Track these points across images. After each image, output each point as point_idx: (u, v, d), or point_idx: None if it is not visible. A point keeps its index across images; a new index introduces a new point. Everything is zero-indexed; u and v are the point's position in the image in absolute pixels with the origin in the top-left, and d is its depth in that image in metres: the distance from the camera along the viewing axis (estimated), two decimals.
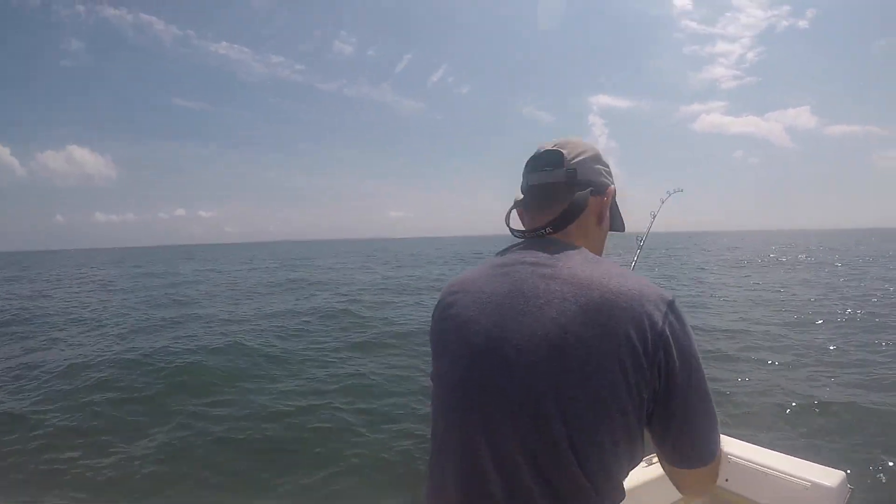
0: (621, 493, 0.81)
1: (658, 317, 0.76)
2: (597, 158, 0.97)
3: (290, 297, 15.65)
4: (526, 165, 1.00)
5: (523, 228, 1.00)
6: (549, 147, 0.97)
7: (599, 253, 0.99)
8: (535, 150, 1.00)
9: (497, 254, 0.96)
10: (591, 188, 0.94)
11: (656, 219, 2.25)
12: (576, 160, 0.94)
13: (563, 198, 0.93)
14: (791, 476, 1.75)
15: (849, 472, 1.76)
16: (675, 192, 2.39)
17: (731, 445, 1.97)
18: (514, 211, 1.03)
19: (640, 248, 2.11)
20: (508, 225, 1.02)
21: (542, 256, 0.87)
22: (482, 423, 0.80)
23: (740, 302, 12.37)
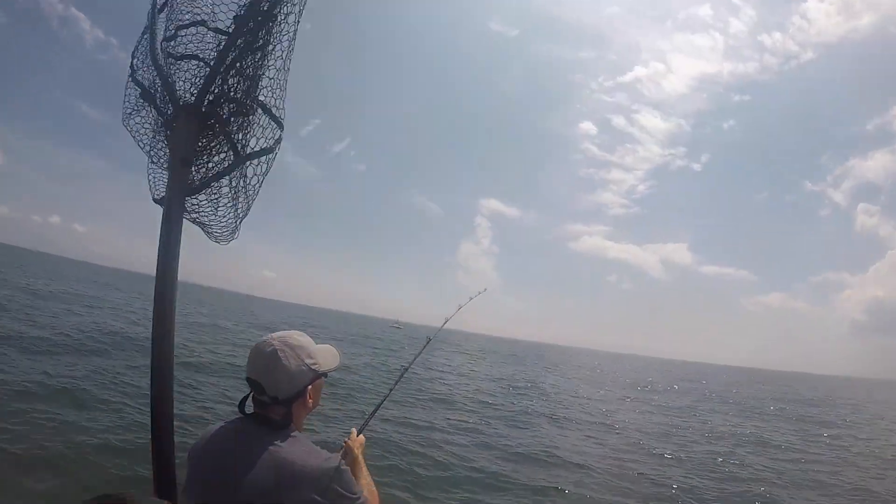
0: None
1: (324, 480, 1.24)
2: (292, 379, 1.32)
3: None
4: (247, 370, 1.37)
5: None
6: (252, 376, 1.33)
7: (303, 417, 1.40)
8: (253, 350, 1.36)
9: (245, 418, 1.36)
10: (292, 401, 1.34)
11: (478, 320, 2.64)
12: (276, 389, 1.31)
13: (281, 412, 1.33)
14: None
15: None
16: (479, 294, 2.86)
17: None
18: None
19: (428, 340, 2.52)
20: (241, 409, 1.38)
21: (255, 442, 1.29)
22: None
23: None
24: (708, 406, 23.15)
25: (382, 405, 2.01)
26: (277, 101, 1.46)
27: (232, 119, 1.45)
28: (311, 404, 1.40)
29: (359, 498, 1.29)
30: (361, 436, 1.70)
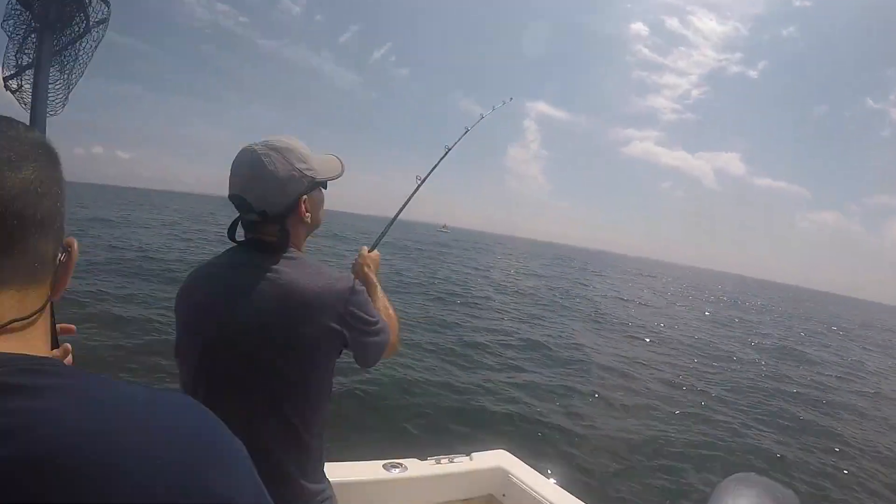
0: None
1: (340, 304, 1.07)
2: (282, 182, 1.09)
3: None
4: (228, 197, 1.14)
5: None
6: (237, 191, 1.09)
7: (305, 236, 1.20)
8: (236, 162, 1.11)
9: (235, 248, 1.15)
10: (284, 216, 1.11)
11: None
12: (264, 202, 1.08)
13: (266, 229, 1.12)
14: None
15: None
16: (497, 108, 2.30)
17: (515, 467, 2.36)
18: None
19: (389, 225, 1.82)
20: (231, 237, 1.16)
21: (254, 272, 1.07)
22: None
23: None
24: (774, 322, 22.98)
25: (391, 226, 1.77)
26: None
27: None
28: (309, 220, 1.17)
29: (378, 322, 1.16)
30: (375, 251, 1.49)
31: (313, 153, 1.19)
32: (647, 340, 12.47)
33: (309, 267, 1.10)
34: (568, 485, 2.25)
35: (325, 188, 1.22)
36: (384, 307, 1.32)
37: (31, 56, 1.30)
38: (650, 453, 5.63)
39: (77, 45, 1.35)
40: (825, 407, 9.01)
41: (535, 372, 7.97)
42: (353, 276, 1.21)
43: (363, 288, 1.16)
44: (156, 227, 24.95)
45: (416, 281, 16.30)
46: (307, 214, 1.15)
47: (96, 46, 1.36)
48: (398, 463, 2.19)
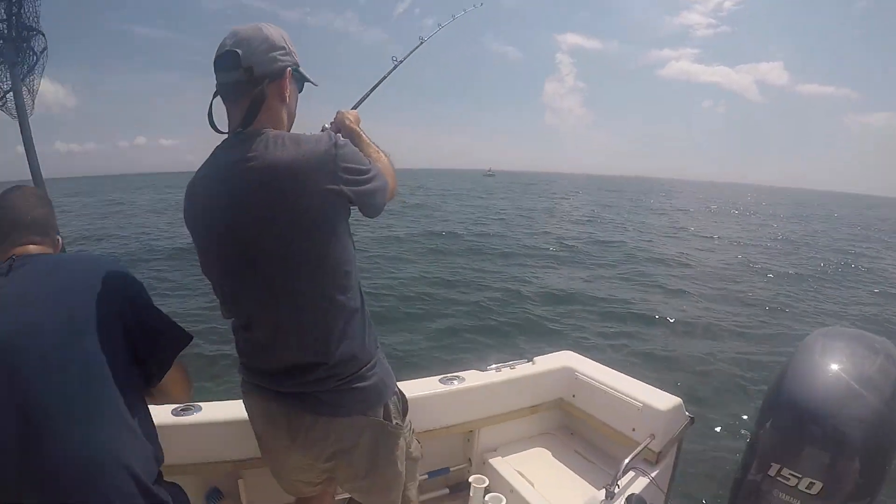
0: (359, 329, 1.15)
1: (329, 161, 1.03)
2: (272, 47, 1.08)
3: None
4: (214, 64, 1.10)
5: (225, 130, 1.14)
6: (228, 47, 1.06)
7: (285, 124, 1.16)
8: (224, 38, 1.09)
9: (215, 150, 1.14)
10: (267, 79, 1.08)
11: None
12: (252, 58, 1.06)
13: (246, 93, 1.08)
14: (627, 397, 1.93)
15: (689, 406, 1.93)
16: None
17: (582, 364, 2.21)
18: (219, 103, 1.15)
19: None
20: (211, 123, 1.14)
21: (243, 150, 1.05)
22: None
23: None
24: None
25: (376, 88, 1.70)
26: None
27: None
28: (288, 101, 1.15)
29: (370, 168, 1.13)
30: (355, 111, 1.45)
31: None
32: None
33: (284, 139, 1.06)
34: (640, 375, 2.09)
35: (301, 90, 1.21)
36: (374, 151, 1.29)
37: (5, 83, 1.88)
38: (727, 330, 5.71)
39: (34, 68, 1.94)
40: None
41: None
42: (331, 132, 1.15)
43: (346, 140, 1.12)
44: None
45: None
46: (287, 92, 1.13)
47: (44, 64, 1.97)
48: (455, 375, 2.03)
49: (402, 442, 1.28)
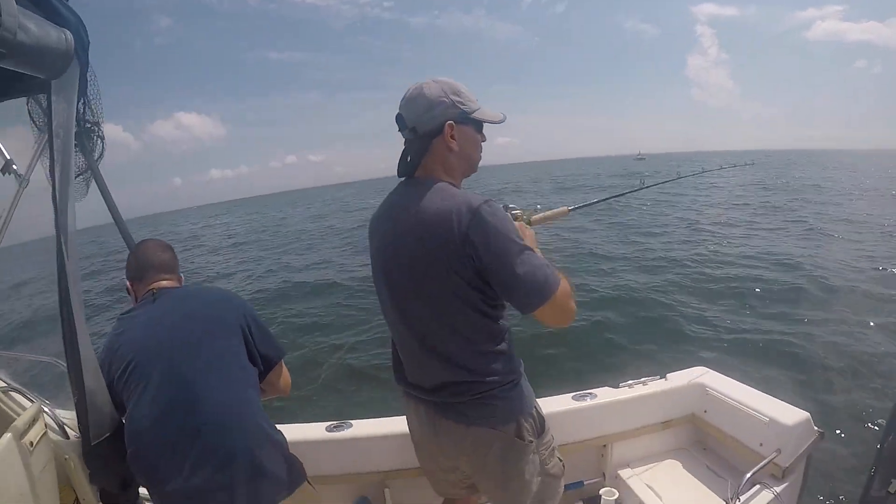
0: (499, 356, 1.27)
1: (463, 222, 1.13)
2: (431, 106, 1.23)
3: None
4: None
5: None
6: (399, 110, 1.27)
7: (460, 169, 1.31)
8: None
9: (391, 192, 1.37)
10: (430, 136, 1.25)
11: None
12: (415, 119, 1.24)
13: (416, 148, 1.27)
14: (754, 411, 1.90)
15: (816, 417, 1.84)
16: None
17: (713, 380, 2.18)
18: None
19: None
20: (399, 168, 1.33)
21: (405, 196, 1.28)
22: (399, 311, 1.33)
23: None
24: None
25: None
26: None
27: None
28: (457, 149, 1.26)
29: (523, 248, 1.16)
30: (531, 231, 1.43)
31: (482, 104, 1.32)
32: None
33: (445, 190, 1.21)
34: (772, 392, 2.05)
35: (481, 131, 1.32)
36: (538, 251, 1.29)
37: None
38: (852, 341, 5.14)
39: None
40: None
41: None
42: (490, 199, 1.18)
43: (505, 214, 1.18)
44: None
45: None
46: (453, 142, 1.26)
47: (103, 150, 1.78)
48: (588, 392, 2.12)
49: (533, 457, 1.37)
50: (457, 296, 1.19)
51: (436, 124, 1.24)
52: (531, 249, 1.19)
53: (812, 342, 5.38)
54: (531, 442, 1.34)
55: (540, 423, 1.39)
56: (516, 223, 1.30)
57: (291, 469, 1.43)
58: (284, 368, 1.61)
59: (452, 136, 1.25)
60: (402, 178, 1.34)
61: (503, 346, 1.28)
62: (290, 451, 1.46)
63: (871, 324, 5.89)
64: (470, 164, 1.33)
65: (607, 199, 2.06)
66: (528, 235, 1.37)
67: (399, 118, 1.27)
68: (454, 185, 1.28)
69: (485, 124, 1.32)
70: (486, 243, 1.13)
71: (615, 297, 7.49)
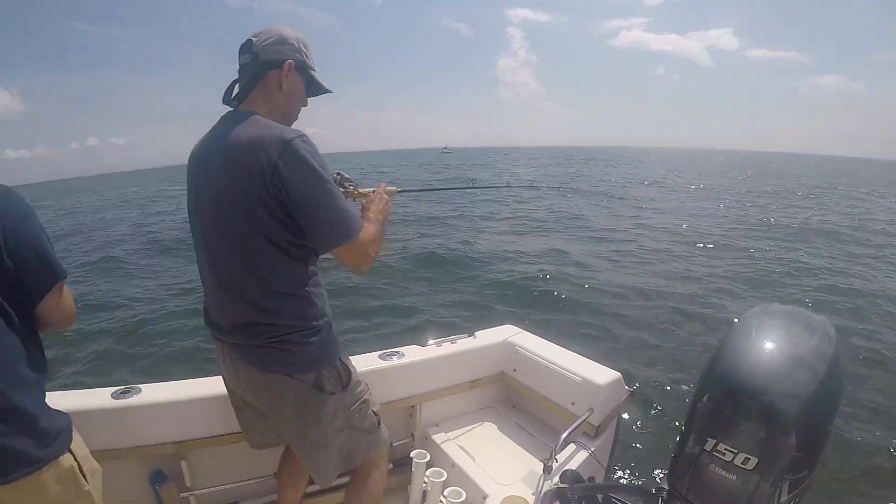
0: (298, 300, 1.24)
1: (274, 153, 1.11)
2: (282, 41, 1.27)
3: None
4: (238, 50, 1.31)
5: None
6: (249, 36, 1.27)
7: (281, 112, 1.30)
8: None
9: (219, 119, 1.30)
10: (269, 66, 1.26)
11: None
12: (261, 45, 1.25)
13: (250, 73, 1.27)
14: (567, 371, 1.95)
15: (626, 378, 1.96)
16: None
17: (523, 339, 2.23)
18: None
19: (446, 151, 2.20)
20: (225, 97, 1.33)
21: (223, 127, 1.24)
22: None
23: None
24: None
25: None
26: None
27: None
28: (286, 88, 1.28)
29: (329, 186, 1.17)
30: (386, 197, 1.47)
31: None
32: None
33: (260, 122, 1.20)
34: (581, 350, 2.13)
35: (308, 92, 1.36)
36: (374, 222, 1.33)
37: None
38: (662, 304, 6.00)
39: None
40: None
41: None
42: (304, 134, 1.17)
43: (317, 150, 1.17)
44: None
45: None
46: (286, 80, 1.28)
47: None
48: (395, 351, 2.03)
49: (334, 409, 1.33)
50: (259, 230, 1.17)
51: (279, 57, 1.26)
52: (339, 191, 1.22)
53: (619, 307, 6.06)
54: (333, 394, 1.32)
55: (346, 375, 1.37)
56: (367, 191, 1.47)
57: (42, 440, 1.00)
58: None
59: (287, 76, 1.28)
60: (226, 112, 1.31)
61: (305, 290, 1.26)
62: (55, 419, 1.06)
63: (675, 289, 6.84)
64: (292, 111, 1.35)
65: (428, 190, 2.08)
66: (385, 208, 1.42)
67: (247, 43, 1.27)
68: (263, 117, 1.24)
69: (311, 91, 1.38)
70: (295, 176, 1.13)
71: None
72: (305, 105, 1.37)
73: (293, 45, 1.28)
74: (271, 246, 1.18)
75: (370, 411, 1.45)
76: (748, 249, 9.67)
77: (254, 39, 1.26)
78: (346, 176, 1.48)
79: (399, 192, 1.65)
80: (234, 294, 1.24)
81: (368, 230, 1.25)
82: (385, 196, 1.46)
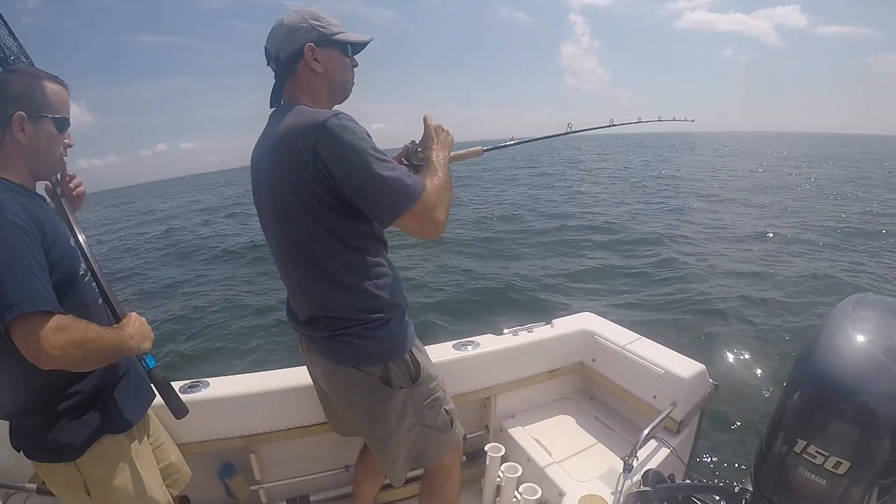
0: (361, 292, 1.21)
1: (311, 137, 1.07)
2: (291, 31, 1.21)
3: None
4: None
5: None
6: (266, 44, 1.26)
7: (326, 92, 1.27)
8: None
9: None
10: (293, 61, 1.22)
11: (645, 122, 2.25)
12: (277, 47, 1.23)
13: (282, 75, 1.25)
14: (649, 363, 1.84)
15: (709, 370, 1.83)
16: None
17: (602, 327, 2.12)
18: None
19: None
20: (271, 100, 1.31)
21: (270, 124, 1.25)
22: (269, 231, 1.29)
23: None
24: None
25: None
26: None
27: None
28: (321, 71, 1.23)
29: (374, 157, 1.09)
30: (442, 129, 1.37)
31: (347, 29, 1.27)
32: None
33: (299, 109, 1.17)
34: (664, 342, 2.01)
35: (348, 54, 1.27)
36: (437, 175, 1.22)
37: None
38: (747, 294, 5.59)
39: None
40: None
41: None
42: (341, 112, 1.13)
43: (357, 125, 1.11)
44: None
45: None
46: (316, 63, 1.22)
47: None
48: (469, 341, 1.97)
49: (403, 404, 1.30)
50: (315, 222, 1.15)
51: (296, 48, 1.21)
52: (388, 160, 1.13)
53: (704, 295, 5.73)
54: (401, 388, 1.29)
55: (415, 369, 1.32)
56: (433, 125, 1.34)
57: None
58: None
59: (316, 59, 1.23)
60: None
61: (367, 282, 1.22)
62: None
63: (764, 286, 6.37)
64: (338, 86, 1.29)
65: (520, 142, 1.98)
66: (444, 140, 1.33)
67: (266, 51, 1.26)
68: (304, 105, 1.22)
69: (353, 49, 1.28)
70: (335, 155, 1.08)
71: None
72: (356, 65, 1.30)
73: (304, 26, 1.21)
74: (328, 236, 1.16)
75: (443, 409, 1.39)
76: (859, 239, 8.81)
77: (268, 46, 1.24)
78: (416, 142, 1.38)
79: (484, 150, 1.58)
80: (298, 287, 1.26)
81: (430, 190, 1.15)
82: (441, 129, 1.35)
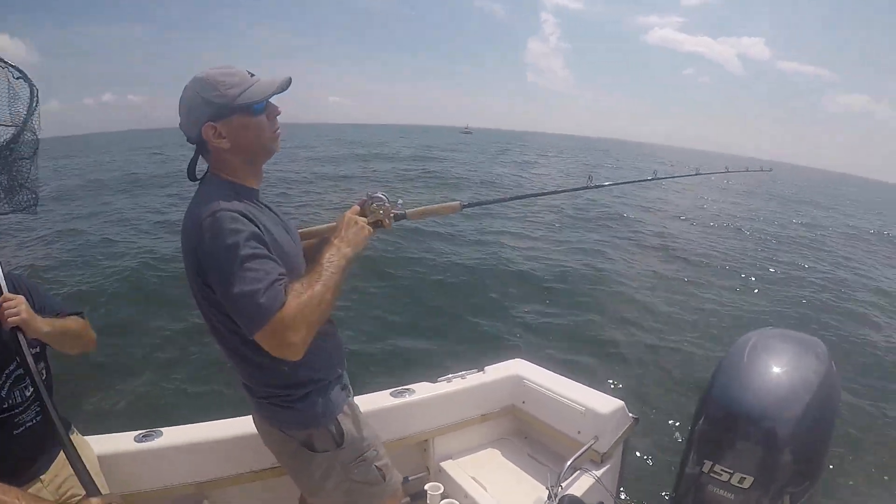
0: (273, 371, 1.20)
1: (195, 237, 1.08)
2: (190, 111, 1.15)
3: None
4: None
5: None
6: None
7: (241, 157, 1.19)
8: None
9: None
10: (199, 143, 1.18)
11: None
12: (184, 128, 1.18)
13: (198, 152, 1.22)
14: (572, 401, 2.03)
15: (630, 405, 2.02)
16: None
17: (530, 372, 2.30)
18: None
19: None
20: (189, 174, 1.26)
21: (192, 201, 1.20)
22: None
23: None
24: None
25: None
26: None
27: None
28: (227, 146, 1.15)
29: (239, 255, 1.02)
30: (368, 227, 1.28)
31: (251, 78, 1.16)
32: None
33: (202, 196, 1.15)
34: (588, 382, 2.21)
35: (260, 112, 1.16)
36: (328, 265, 1.13)
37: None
38: (660, 331, 5.88)
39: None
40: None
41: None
42: (221, 207, 1.07)
43: (225, 226, 1.04)
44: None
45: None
46: (222, 140, 1.15)
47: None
48: (406, 388, 2.08)
49: (328, 465, 1.29)
50: (216, 306, 1.14)
51: (197, 130, 1.16)
52: (252, 268, 1.03)
53: (623, 334, 5.92)
54: (325, 451, 1.29)
55: (339, 435, 1.30)
56: (348, 214, 1.28)
57: None
58: None
59: (221, 135, 1.15)
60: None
61: (281, 362, 1.12)
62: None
63: (673, 315, 6.70)
64: (253, 150, 1.21)
65: (501, 200, 2.05)
66: (351, 237, 1.23)
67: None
68: (234, 184, 1.19)
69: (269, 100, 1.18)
70: (207, 261, 1.08)
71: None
72: (278, 113, 1.21)
73: (198, 103, 1.13)
74: (232, 321, 1.11)
75: (374, 466, 1.37)
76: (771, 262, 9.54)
77: (182, 128, 1.18)
78: (378, 195, 1.32)
79: (404, 216, 1.39)
80: (226, 357, 1.27)
81: (289, 308, 1.03)
82: (355, 222, 1.26)
